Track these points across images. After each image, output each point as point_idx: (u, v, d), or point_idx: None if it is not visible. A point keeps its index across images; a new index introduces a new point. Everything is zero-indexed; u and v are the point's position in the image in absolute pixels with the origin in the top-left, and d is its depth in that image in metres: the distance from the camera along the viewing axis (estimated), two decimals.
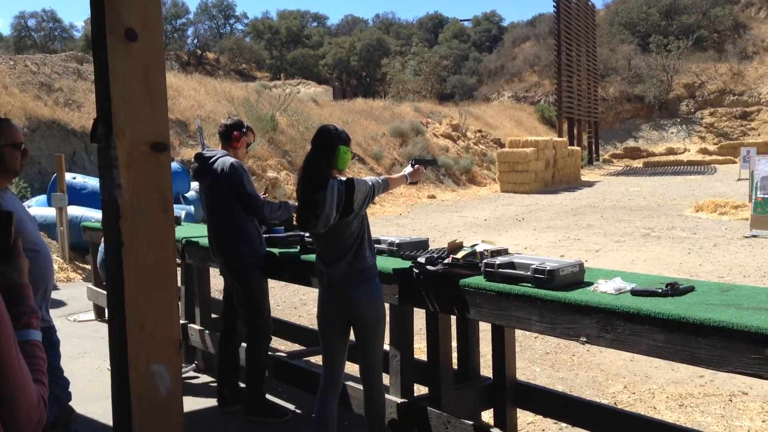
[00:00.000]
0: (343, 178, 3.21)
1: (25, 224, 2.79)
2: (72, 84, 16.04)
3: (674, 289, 2.60)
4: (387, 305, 3.39)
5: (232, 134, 4.29)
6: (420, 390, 3.79)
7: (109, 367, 2.46)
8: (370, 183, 3.29)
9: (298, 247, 4.17)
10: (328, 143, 3.20)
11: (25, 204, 10.75)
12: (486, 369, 3.87)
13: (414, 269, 3.29)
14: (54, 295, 8.24)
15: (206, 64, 53.31)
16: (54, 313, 7.35)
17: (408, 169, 3.67)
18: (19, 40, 52.34)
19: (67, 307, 6.98)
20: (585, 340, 2.59)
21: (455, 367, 3.62)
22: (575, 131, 32.01)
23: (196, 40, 58.41)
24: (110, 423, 2.41)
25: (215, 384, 4.61)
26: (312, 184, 3.17)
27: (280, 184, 16.13)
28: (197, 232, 5.28)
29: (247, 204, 4.11)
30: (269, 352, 4.40)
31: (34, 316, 1.51)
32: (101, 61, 2.13)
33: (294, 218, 3.75)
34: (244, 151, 4.38)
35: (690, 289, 2.66)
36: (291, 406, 4.50)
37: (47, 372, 1.48)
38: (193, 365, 5.24)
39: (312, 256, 3.66)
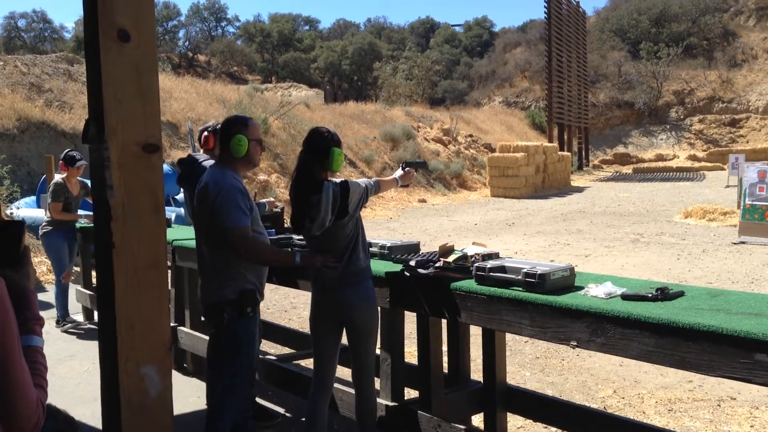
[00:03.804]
0: (338, 180, 3.20)
1: None
2: (62, 85, 15.97)
3: (664, 294, 2.61)
4: (378, 308, 3.39)
5: (201, 136, 4.37)
6: (410, 393, 3.78)
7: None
8: (363, 185, 3.28)
9: (288, 250, 4.15)
10: (322, 145, 3.19)
11: (14, 205, 10.67)
12: (476, 373, 3.87)
13: (405, 272, 3.29)
14: (42, 297, 8.18)
15: (197, 66, 53.19)
16: (43, 316, 7.31)
17: (399, 172, 3.67)
18: (9, 40, 52.05)
19: (55, 309, 6.93)
20: (575, 344, 2.60)
21: (446, 370, 3.62)
22: (565, 137, 32.14)
23: (187, 43, 58.24)
24: (99, 425, 2.38)
25: (205, 387, 4.58)
26: (306, 187, 3.15)
27: (271, 187, 16.09)
28: (188, 234, 5.26)
29: None
30: (259, 356, 4.38)
31: (38, 322, 1.54)
32: (94, 62, 2.12)
33: (287, 221, 3.74)
34: None
35: (680, 294, 2.67)
36: (281, 410, 4.48)
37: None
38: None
39: None
